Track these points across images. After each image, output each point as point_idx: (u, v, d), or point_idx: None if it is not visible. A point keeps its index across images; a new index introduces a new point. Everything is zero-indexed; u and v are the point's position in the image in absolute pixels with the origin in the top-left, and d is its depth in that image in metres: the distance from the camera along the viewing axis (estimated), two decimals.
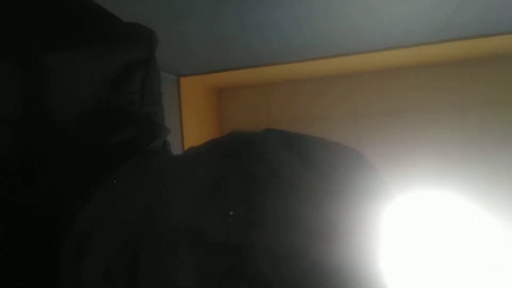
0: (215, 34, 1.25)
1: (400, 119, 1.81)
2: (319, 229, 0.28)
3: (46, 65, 0.33)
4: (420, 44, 1.42)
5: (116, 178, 0.33)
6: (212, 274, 0.27)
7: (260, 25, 1.18)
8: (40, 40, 0.34)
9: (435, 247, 1.70)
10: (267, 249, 0.27)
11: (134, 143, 0.38)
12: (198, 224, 0.28)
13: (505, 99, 1.70)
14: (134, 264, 0.27)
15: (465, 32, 1.33)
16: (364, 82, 1.87)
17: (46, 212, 0.32)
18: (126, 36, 0.40)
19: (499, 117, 1.70)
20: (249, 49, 1.43)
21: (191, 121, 1.69)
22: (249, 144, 0.34)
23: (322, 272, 0.27)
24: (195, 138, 1.66)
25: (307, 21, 1.16)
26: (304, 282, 0.27)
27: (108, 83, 0.38)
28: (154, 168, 0.35)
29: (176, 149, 0.46)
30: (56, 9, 0.36)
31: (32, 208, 0.32)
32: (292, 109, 1.95)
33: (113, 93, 0.38)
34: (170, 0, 0.97)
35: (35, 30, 0.34)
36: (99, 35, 0.38)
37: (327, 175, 0.30)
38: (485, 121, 1.71)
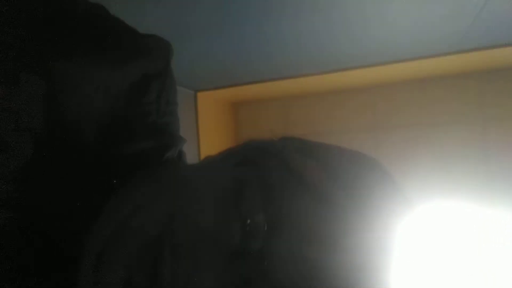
0: (232, 49, 1.26)
1: (419, 132, 1.78)
2: (337, 239, 0.28)
3: (66, 76, 0.34)
4: (439, 55, 1.40)
5: (134, 187, 0.33)
6: (233, 281, 0.27)
7: (277, 38, 1.18)
8: (61, 52, 0.34)
9: (456, 258, 1.66)
10: (284, 257, 0.27)
11: (149, 153, 0.39)
12: (218, 232, 0.28)
13: None
14: (154, 273, 0.27)
15: (484, 42, 1.31)
16: (382, 94, 1.86)
17: (58, 220, 0.32)
18: (143, 48, 0.40)
19: None
20: (265, 63, 1.43)
21: (208, 136, 1.70)
22: (267, 150, 0.33)
23: (338, 281, 0.27)
24: (212, 152, 1.66)
25: (323, 34, 1.16)
26: None
27: (125, 94, 0.38)
28: (173, 177, 0.35)
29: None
30: (77, 23, 0.37)
31: (44, 216, 0.32)
32: (309, 122, 1.94)
33: (129, 104, 0.38)
34: (187, 16, 0.99)
35: (58, 43, 0.34)
36: (117, 47, 0.38)
37: (346, 183, 0.30)
38: (507, 133, 1.68)
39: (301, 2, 0.94)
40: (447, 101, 1.77)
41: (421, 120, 1.79)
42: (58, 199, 0.33)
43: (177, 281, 0.26)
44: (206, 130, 1.71)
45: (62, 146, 0.33)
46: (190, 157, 0.47)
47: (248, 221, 0.28)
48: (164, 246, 0.27)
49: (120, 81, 0.37)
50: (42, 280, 0.31)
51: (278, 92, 1.89)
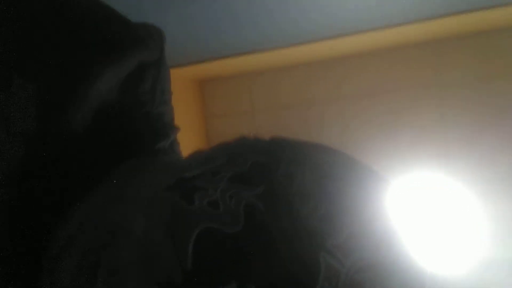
0: (193, 25, 1.25)
1: (382, 100, 1.84)
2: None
3: (61, 79, 0.33)
4: (395, 25, 1.43)
5: (97, 192, 0.33)
6: None
7: (237, 14, 1.18)
8: (55, 55, 0.33)
9: (420, 223, 1.73)
10: None
11: (141, 144, 0.38)
12: (151, 260, 0.26)
13: (483, 76, 1.74)
14: (93, 283, 0.26)
15: (440, 10, 1.35)
16: (343, 66, 1.89)
17: (53, 219, 0.32)
18: (138, 38, 0.39)
19: (478, 94, 1.74)
20: (228, 38, 1.42)
21: (176, 114, 1.69)
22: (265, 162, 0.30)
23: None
24: (180, 130, 1.66)
25: (283, 8, 1.17)
26: None
27: (120, 85, 0.37)
28: (135, 184, 0.33)
29: None
30: (71, 17, 0.35)
31: (39, 217, 0.32)
32: (275, 96, 1.96)
33: (124, 94, 0.37)
34: None
35: (51, 44, 0.33)
36: (113, 40, 0.37)
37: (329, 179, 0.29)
38: (464, 99, 1.75)
39: None
40: (406, 69, 1.82)
41: (383, 89, 1.85)
42: (51, 200, 0.32)
43: None
44: (174, 108, 1.69)
45: (55, 147, 0.33)
46: None
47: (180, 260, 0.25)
48: (102, 260, 0.27)
49: (117, 74, 0.36)
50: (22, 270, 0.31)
51: (244, 68, 1.88)
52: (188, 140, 1.80)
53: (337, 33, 1.47)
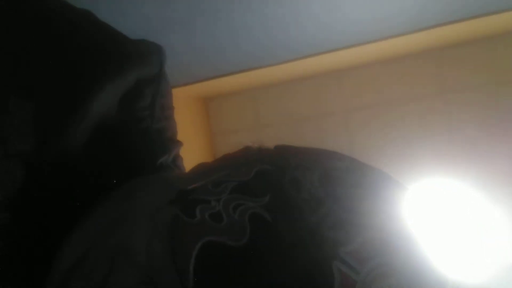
0: (199, 43, 1.26)
1: (389, 110, 1.83)
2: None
3: (58, 100, 0.32)
4: (396, 35, 1.44)
5: (97, 217, 0.31)
6: None
7: (245, 30, 1.19)
8: (52, 73, 0.33)
9: (429, 229, 1.71)
10: None
11: (142, 161, 0.38)
12: (153, 282, 0.25)
13: (486, 82, 1.73)
14: None
15: (444, 18, 1.35)
16: (349, 78, 1.89)
17: (54, 243, 0.31)
18: (136, 55, 0.39)
19: (484, 100, 1.73)
20: (232, 56, 1.44)
21: (180, 132, 1.69)
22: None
23: None
24: (186, 148, 1.66)
25: (284, 21, 1.18)
26: None
27: (119, 101, 0.37)
28: (136, 204, 0.32)
29: None
30: (66, 37, 0.35)
31: (39, 238, 0.31)
32: (281, 111, 1.96)
33: (122, 111, 0.37)
34: (151, 12, 0.98)
35: (49, 62, 0.33)
36: (110, 58, 0.37)
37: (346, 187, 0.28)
38: (471, 105, 1.73)
39: None
40: (409, 78, 1.82)
41: (389, 99, 1.84)
42: (52, 221, 0.31)
43: None
44: (179, 126, 1.70)
45: (54, 169, 0.32)
46: None
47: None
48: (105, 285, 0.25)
49: (116, 90, 0.36)
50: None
51: (248, 84, 1.89)
52: (195, 157, 1.80)
53: (341, 46, 1.48)
